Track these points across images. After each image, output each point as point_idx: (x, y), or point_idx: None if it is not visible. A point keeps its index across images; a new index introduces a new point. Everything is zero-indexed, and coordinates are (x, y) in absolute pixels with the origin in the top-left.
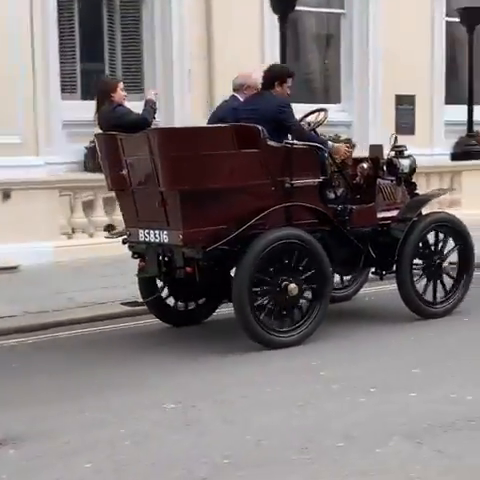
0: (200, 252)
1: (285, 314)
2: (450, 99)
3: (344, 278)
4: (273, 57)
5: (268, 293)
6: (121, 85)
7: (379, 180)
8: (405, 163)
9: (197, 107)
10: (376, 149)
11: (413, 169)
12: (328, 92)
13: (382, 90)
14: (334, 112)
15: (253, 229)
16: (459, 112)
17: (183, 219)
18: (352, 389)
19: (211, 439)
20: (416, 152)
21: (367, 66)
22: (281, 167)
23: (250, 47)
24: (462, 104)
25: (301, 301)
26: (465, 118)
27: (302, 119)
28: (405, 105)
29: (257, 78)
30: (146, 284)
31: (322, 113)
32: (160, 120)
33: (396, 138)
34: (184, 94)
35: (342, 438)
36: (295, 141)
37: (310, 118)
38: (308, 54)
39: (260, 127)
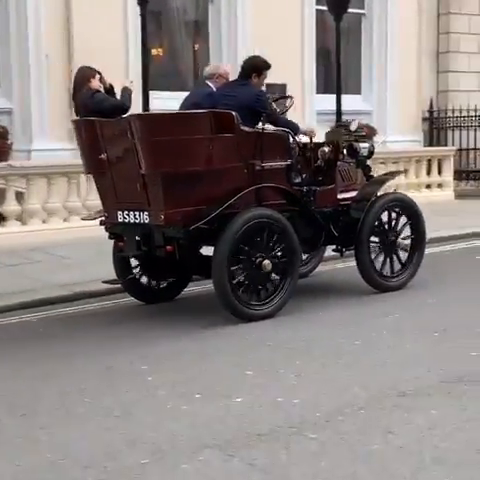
0: (181, 231)
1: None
2: (323, 89)
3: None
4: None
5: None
6: (98, 76)
7: (339, 163)
8: (364, 147)
9: (55, 93)
10: (335, 133)
11: (371, 152)
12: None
13: None
14: None
15: (228, 209)
16: (331, 102)
17: (165, 200)
18: (178, 395)
19: None
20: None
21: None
22: (253, 151)
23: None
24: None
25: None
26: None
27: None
28: (276, 94)
29: (227, 69)
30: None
31: (289, 99)
32: (13, 107)
33: (356, 123)
34: (41, 80)
35: (149, 454)
36: (265, 126)
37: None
38: (175, 40)
39: (234, 113)
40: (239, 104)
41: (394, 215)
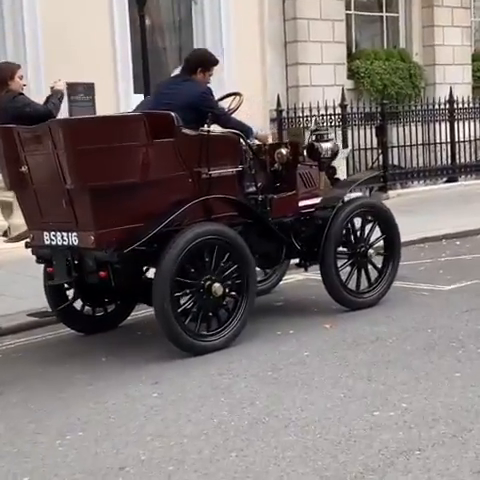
0: (114, 255)
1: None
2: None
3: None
4: None
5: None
6: (19, 72)
7: (299, 166)
8: (327, 147)
9: None
10: (296, 132)
11: (335, 153)
12: None
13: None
14: None
15: (170, 226)
16: None
17: (94, 219)
18: None
19: None
20: None
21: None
22: (198, 157)
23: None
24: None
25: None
26: None
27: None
28: (80, 95)
29: None
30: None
31: (237, 97)
32: None
33: (316, 121)
34: None
35: None
36: (212, 128)
37: (225, 103)
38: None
39: (174, 114)
40: (182, 103)
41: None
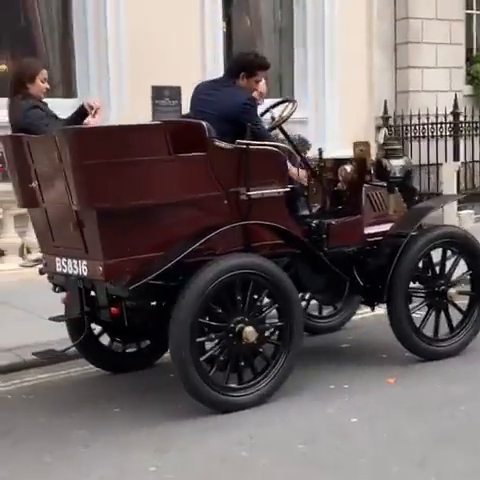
0: (126, 289)
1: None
2: None
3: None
4: None
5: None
6: (43, 74)
7: (367, 186)
8: (397, 165)
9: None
10: (362, 147)
11: (408, 172)
12: None
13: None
14: None
15: (199, 256)
16: None
17: (103, 246)
18: None
19: None
20: None
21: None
22: (235, 174)
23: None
24: None
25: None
26: None
27: (267, 111)
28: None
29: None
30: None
31: (290, 105)
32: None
33: (386, 134)
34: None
35: None
36: (252, 142)
37: (275, 111)
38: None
39: (205, 123)
40: (218, 113)
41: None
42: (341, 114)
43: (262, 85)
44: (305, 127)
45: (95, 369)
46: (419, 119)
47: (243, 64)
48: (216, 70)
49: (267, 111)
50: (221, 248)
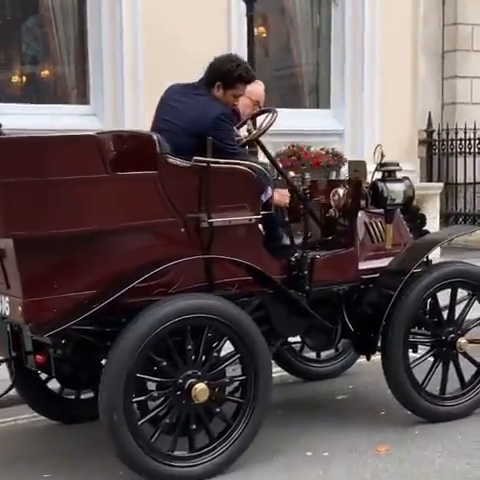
0: (47, 334)
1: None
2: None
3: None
4: None
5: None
6: None
7: (362, 213)
8: (396, 189)
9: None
10: (358, 167)
11: (409, 198)
12: None
13: None
14: None
15: (145, 295)
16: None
17: (23, 281)
18: None
19: None
20: None
21: None
22: (193, 197)
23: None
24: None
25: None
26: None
27: (244, 124)
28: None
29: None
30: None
31: (270, 115)
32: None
33: (381, 152)
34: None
35: None
36: (214, 159)
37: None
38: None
39: (155, 136)
40: (186, 124)
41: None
42: (381, 127)
43: (244, 102)
44: (341, 140)
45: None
46: (466, 133)
47: (219, 72)
48: None
49: (244, 123)
50: (176, 285)
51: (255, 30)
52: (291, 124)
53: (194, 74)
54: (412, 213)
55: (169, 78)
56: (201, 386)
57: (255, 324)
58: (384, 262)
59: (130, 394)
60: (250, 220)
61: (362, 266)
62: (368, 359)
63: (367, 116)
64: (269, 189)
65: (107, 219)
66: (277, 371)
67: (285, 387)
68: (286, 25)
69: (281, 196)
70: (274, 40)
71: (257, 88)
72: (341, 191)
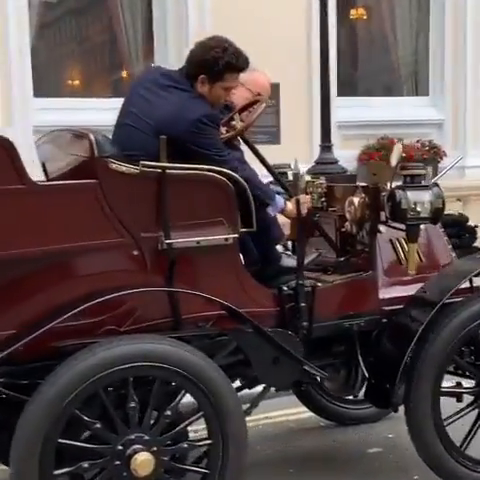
0: None
1: None
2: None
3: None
4: None
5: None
6: None
7: (385, 228)
8: (420, 200)
9: None
10: (378, 171)
11: (437, 210)
12: None
13: None
14: None
15: (84, 336)
16: (367, 108)
17: None
18: None
19: None
20: None
21: None
22: (148, 213)
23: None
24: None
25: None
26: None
27: (230, 120)
28: None
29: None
30: None
31: (258, 106)
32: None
33: (400, 152)
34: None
35: None
36: (170, 164)
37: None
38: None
39: (93, 136)
40: (156, 123)
41: None
42: None
43: (243, 94)
44: (440, 131)
45: None
46: None
47: (202, 63)
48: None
49: (231, 119)
50: (130, 322)
51: (354, 12)
52: (383, 114)
53: (268, 62)
54: (459, 225)
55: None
56: (142, 456)
57: (224, 375)
58: (414, 289)
59: (49, 465)
60: (226, 240)
61: (384, 295)
62: (395, 411)
63: (470, 105)
64: (278, 200)
65: (27, 242)
66: (298, 412)
67: (308, 433)
68: (383, 9)
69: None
70: (372, 23)
71: (259, 77)
72: (356, 200)
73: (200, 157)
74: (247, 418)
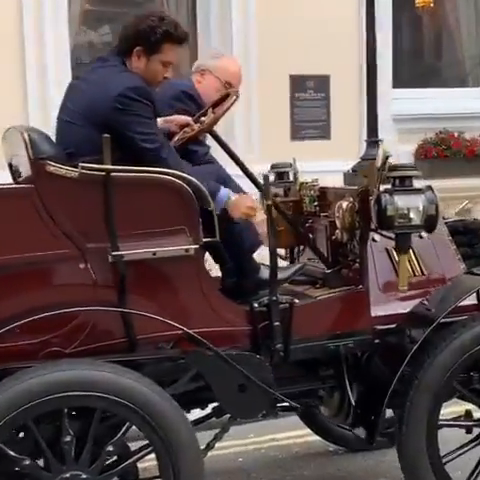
0: None
1: None
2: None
3: None
4: None
5: None
6: None
7: (379, 237)
8: (410, 205)
9: None
10: (368, 174)
11: (430, 216)
12: None
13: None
14: None
15: (21, 358)
16: (423, 100)
17: None
18: None
19: None
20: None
21: None
22: (93, 221)
23: None
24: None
25: None
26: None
27: (204, 114)
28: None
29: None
30: None
31: (229, 98)
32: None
33: (385, 151)
34: None
35: None
36: (117, 167)
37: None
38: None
39: (26, 134)
40: (84, 111)
41: None
42: None
43: (213, 84)
44: None
45: None
46: None
47: (137, 33)
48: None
49: (204, 114)
50: (77, 343)
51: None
52: (442, 106)
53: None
54: (471, 233)
55: (281, 51)
56: None
57: (177, 406)
58: (413, 306)
59: None
60: (186, 251)
61: (377, 312)
62: (392, 445)
63: None
64: (222, 191)
65: None
66: (306, 434)
67: (312, 460)
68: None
69: (237, 204)
70: (436, 14)
71: (229, 64)
72: (345, 205)
73: (128, 143)
74: (250, 440)
